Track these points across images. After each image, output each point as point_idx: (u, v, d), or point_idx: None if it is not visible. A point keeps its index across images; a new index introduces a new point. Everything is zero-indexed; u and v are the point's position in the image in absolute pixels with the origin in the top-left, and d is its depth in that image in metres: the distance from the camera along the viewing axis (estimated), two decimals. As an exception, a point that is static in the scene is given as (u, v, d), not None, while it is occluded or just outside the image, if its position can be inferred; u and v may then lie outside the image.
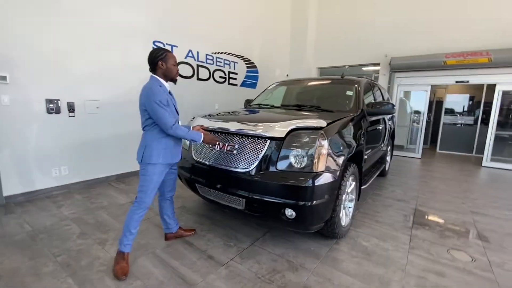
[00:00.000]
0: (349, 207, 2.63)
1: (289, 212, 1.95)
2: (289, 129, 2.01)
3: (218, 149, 2.26)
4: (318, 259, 2.11)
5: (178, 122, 1.92)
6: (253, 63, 6.55)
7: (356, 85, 3.17)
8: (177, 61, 2.20)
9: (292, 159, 1.96)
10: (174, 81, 1.99)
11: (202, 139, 1.99)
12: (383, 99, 4.30)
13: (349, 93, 3.11)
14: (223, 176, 2.18)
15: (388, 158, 4.83)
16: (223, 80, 5.75)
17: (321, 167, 1.94)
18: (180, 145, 2.09)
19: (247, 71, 6.43)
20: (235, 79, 6.08)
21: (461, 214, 3.14)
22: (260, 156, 2.03)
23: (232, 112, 2.79)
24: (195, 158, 2.44)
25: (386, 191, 3.94)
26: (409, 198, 3.66)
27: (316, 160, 1.92)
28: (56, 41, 3.15)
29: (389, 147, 4.77)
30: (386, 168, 4.75)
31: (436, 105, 8.91)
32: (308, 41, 7.97)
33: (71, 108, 3.36)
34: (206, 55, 5.24)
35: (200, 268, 1.94)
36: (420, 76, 6.59)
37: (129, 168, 4.14)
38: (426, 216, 3.04)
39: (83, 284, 1.73)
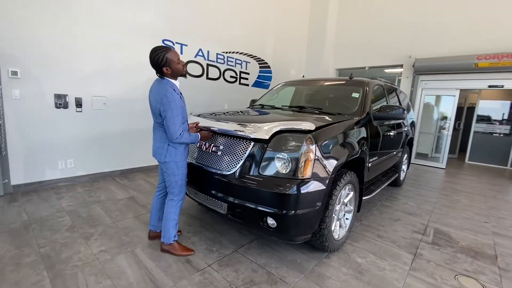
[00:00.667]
0: (347, 219, 2.43)
1: (271, 221, 1.82)
2: (274, 131, 1.87)
3: (204, 149, 2.18)
4: (302, 273, 1.94)
5: (187, 121, 1.97)
6: (266, 63, 6.43)
7: (363, 87, 2.94)
8: (187, 60, 2.22)
9: (276, 164, 1.82)
10: (183, 76, 1.96)
11: (199, 138, 1.99)
12: (400, 104, 3.98)
13: (355, 95, 2.88)
14: (206, 178, 2.09)
15: (403, 167, 4.47)
16: (234, 80, 5.70)
17: (307, 173, 1.78)
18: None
19: (260, 71, 6.32)
20: (246, 79, 6.00)
21: (481, 235, 2.78)
22: (243, 158, 1.91)
23: (227, 112, 2.70)
24: (183, 157, 2.38)
25: (397, 203, 3.63)
26: (422, 212, 3.33)
27: (301, 165, 1.77)
28: (65, 38, 3.27)
29: (405, 155, 4.40)
30: (401, 178, 4.39)
31: (467, 112, 8.17)
32: (327, 41, 7.69)
33: (78, 104, 3.48)
34: (217, 54, 5.21)
35: (174, 272, 1.86)
36: (447, 79, 6.06)
37: (133, 164, 4.21)
38: (437, 234, 2.73)
39: (55, 278, 1.73)
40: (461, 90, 6.07)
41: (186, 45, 4.65)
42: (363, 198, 2.68)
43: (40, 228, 2.37)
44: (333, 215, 2.13)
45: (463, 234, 2.78)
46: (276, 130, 1.87)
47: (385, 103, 3.38)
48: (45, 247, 2.08)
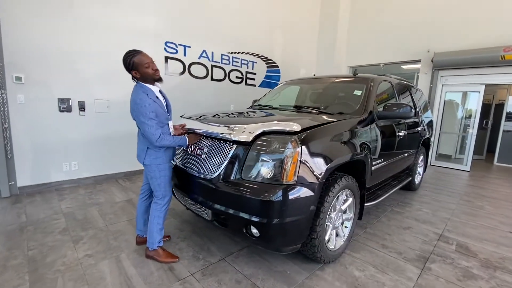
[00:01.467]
0: (345, 227, 2.24)
1: (254, 230, 1.69)
2: (256, 133, 1.74)
3: (189, 151, 2.09)
4: (290, 286, 1.79)
5: (168, 125, 1.89)
6: (274, 62, 6.29)
7: (367, 84, 2.72)
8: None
9: (258, 168, 1.69)
10: (157, 80, 1.85)
11: (187, 142, 1.92)
12: (413, 103, 3.68)
13: (357, 93, 2.67)
14: (191, 182, 2.00)
15: (419, 169, 4.14)
16: (239, 80, 5.61)
17: (292, 178, 1.63)
18: None
19: (267, 71, 6.19)
20: (253, 79, 5.89)
21: (504, 247, 2.46)
22: (225, 162, 1.80)
23: (217, 114, 2.60)
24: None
25: (410, 209, 3.34)
26: (437, 220, 3.03)
27: (286, 170, 1.62)
28: (68, 43, 3.35)
29: (421, 156, 4.07)
30: (416, 181, 4.06)
31: (496, 109, 7.51)
32: (339, 37, 7.40)
33: (81, 107, 3.55)
34: (222, 55, 5.16)
35: (154, 280, 1.78)
36: (470, 74, 5.57)
37: (137, 166, 4.24)
38: (452, 245, 2.45)
39: (35, 283, 1.71)
40: (486, 85, 5.55)
41: (190, 47, 4.63)
42: (367, 204, 2.47)
43: (34, 230, 2.40)
44: (327, 223, 1.96)
45: (482, 245, 2.47)
46: (259, 132, 1.74)
47: (394, 101, 3.13)
48: (33, 249, 2.09)
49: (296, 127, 1.74)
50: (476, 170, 5.98)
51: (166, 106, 1.93)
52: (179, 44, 4.47)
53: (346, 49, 7.49)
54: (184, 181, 2.08)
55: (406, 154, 3.34)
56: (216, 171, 1.82)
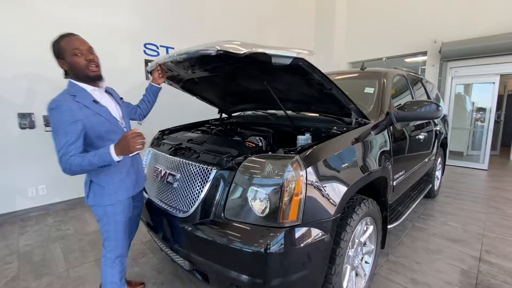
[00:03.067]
0: (366, 262, 1.75)
1: (245, 289, 1.20)
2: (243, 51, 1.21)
3: (159, 178, 1.61)
4: None
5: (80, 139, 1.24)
6: (268, 62, 5.81)
7: (379, 80, 2.24)
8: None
9: (247, 202, 1.21)
10: (95, 79, 1.30)
11: (113, 156, 1.16)
12: (428, 98, 3.21)
13: (369, 90, 2.20)
14: (161, 220, 1.51)
15: (437, 173, 3.65)
16: (232, 83, 5.13)
17: (295, 216, 1.15)
18: (142, 166, 1.56)
19: (262, 72, 5.71)
20: (247, 81, 5.41)
21: None
22: (202, 193, 1.31)
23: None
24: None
25: (434, 223, 2.85)
26: (470, 237, 2.54)
27: (285, 204, 1.14)
28: (29, 48, 2.87)
29: (439, 158, 3.58)
30: (435, 187, 3.58)
31: (508, 100, 7.04)
32: (337, 31, 6.93)
33: (47, 122, 3.06)
34: (210, 56, 4.68)
35: None
36: (483, 64, 5.10)
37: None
38: (499, 274, 1.96)
39: None
40: (501, 75, 5.08)
41: (173, 48, 4.16)
42: (390, 226, 1.98)
43: (-26, 282, 1.91)
44: (345, 265, 1.47)
45: (536, 273, 1.98)
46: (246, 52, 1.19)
47: (409, 98, 2.65)
48: (-39, 316, 1.60)
49: (306, 52, 1.24)
50: (494, 168, 5.48)
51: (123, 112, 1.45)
52: (161, 46, 4.01)
53: (345, 45, 7.02)
54: (153, 217, 1.59)
55: (426, 160, 2.86)
56: (191, 207, 1.34)
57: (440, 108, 2.00)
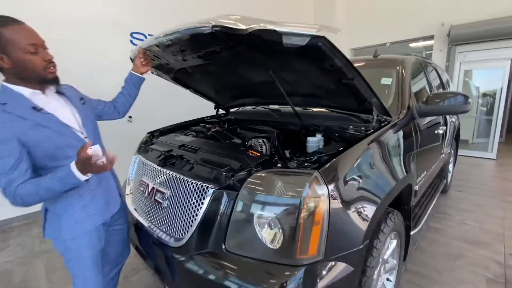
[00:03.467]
0: (388, 280, 1.54)
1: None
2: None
3: (146, 194, 1.35)
4: None
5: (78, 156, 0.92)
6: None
7: (398, 68, 1.97)
8: None
9: (254, 231, 0.96)
10: (52, 82, 1.01)
11: (78, 175, 0.87)
12: (443, 85, 2.95)
13: (386, 82, 1.93)
14: (150, 246, 1.27)
15: (450, 167, 3.44)
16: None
17: (315, 250, 0.91)
18: (113, 184, 1.24)
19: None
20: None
21: None
22: (198, 218, 1.06)
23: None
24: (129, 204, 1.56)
25: (450, 222, 2.65)
26: (490, 238, 2.35)
27: (303, 235, 0.90)
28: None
29: (452, 151, 3.36)
30: (448, 182, 3.37)
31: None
32: (338, 16, 6.54)
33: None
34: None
35: None
36: (494, 47, 4.80)
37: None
38: (530, 285, 1.77)
39: None
40: (512, 59, 4.80)
41: (163, 37, 3.81)
42: (411, 233, 1.77)
43: None
44: (368, 291, 1.25)
45: None
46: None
47: (427, 87, 2.39)
48: None
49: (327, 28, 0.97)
50: (502, 157, 5.29)
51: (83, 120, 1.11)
52: (149, 35, 3.65)
53: (347, 30, 6.63)
54: (142, 242, 1.34)
55: (443, 154, 2.63)
56: (185, 233, 1.09)
57: (469, 101, 1.75)
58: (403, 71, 1.94)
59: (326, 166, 0.97)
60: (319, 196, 0.91)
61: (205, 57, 1.40)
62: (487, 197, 3.27)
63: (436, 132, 2.21)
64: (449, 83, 3.59)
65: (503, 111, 5.06)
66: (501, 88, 4.98)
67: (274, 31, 0.93)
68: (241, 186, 1.00)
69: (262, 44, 1.03)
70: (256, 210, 0.96)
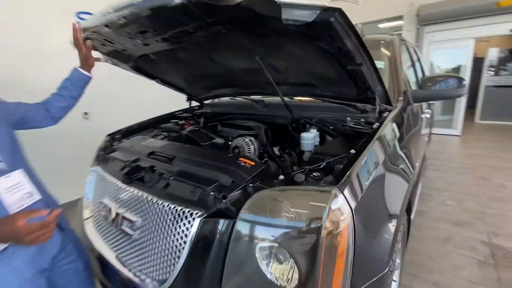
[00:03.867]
0: (393, 280, 1.44)
1: None
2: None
3: (110, 221, 1.06)
4: None
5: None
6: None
7: (388, 49, 1.81)
8: None
9: (259, 268, 0.74)
10: None
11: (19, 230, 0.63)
12: (421, 65, 2.90)
13: (379, 65, 1.76)
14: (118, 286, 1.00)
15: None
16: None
17: (339, 285, 0.72)
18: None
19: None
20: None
21: None
22: (182, 255, 0.81)
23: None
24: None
25: (432, 203, 2.69)
26: (471, 217, 2.41)
27: (324, 270, 0.69)
28: None
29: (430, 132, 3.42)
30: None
31: (474, 63, 7.21)
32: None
33: None
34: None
35: None
36: (459, 27, 4.95)
37: (76, 195, 3.04)
38: (516, 263, 1.82)
39: None
40: (476, 39, 5.00)
41: (118, 18, 3.27)
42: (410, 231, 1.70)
43: None
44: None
45: (551, 256, 1.88)
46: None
47: (413, 70, 2.30)
48: None
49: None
50: (465, 133, 5.64)
51: None
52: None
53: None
54: (111, 282, 1.06)
55: (427, 138, 2.61)
56: (166, 275, 0.84)
57: (464, 83, 1.66)
58: (394, 52, 1.79)
59: (344, 179, 0.76)
60: (342, 220, 0.71)
61: (173, 40, 1.09)
62: (459, 175, 3.41)
63: (424, 116, 2.14)
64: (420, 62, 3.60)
65: (467, 88, 5.31)
66: (466, 66, 5.20)
67: (273, 1, 0.67)
68: (236, 211, 0.77)
69: (253, 21, 0.77)
70: (260, 241, 0.74)
